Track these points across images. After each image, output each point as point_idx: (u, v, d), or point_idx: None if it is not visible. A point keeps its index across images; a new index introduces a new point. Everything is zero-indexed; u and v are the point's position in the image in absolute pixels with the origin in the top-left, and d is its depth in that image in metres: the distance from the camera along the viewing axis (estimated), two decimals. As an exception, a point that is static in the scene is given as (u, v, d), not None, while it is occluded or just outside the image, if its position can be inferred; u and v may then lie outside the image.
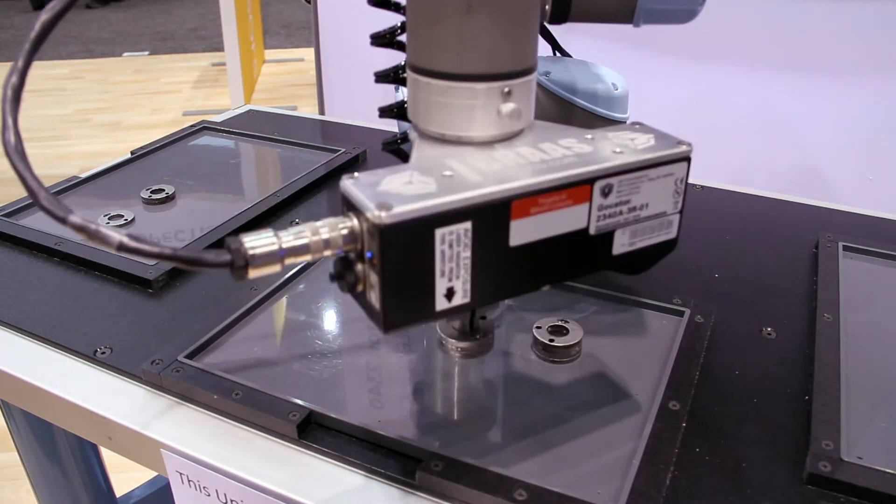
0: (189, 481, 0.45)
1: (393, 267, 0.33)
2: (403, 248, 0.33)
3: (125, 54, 4.12)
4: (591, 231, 0.38)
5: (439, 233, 0.33)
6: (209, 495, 0.45)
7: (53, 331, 0.55)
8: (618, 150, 0.38)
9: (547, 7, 0.53)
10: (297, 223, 0.34)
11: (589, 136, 0.40)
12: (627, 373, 0.50)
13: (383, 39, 0.48)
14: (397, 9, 0.49)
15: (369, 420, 0.45)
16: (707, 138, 1.20)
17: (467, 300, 0.36)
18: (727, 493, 0.40)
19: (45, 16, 0.34)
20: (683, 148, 0.39)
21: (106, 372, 0.51)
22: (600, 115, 0.67)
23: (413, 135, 0.42)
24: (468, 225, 0.34)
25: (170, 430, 0.46)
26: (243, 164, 0.86)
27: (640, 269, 0.43)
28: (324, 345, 0.53)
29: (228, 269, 0.33)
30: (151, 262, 0.62)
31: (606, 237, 0.39)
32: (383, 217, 0.32)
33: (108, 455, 0.66)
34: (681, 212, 0.41)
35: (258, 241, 0.33)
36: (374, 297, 0.34)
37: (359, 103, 1.48)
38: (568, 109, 0.68)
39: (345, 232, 0.34)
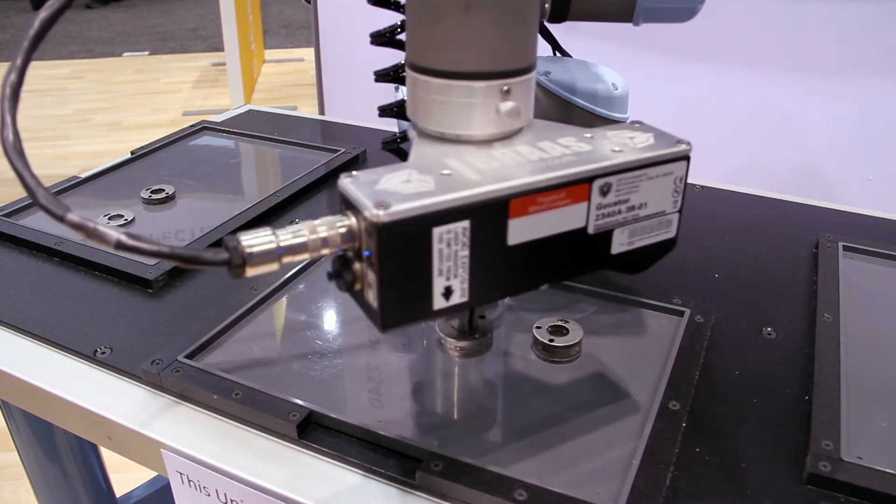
0: (189, 481, 0.45)
1: (390, 265, 0.33)
2: (401, 247, 0.32)
3: (125, 54, 4.12)
4: (591, 230, 0.38)
5: (437, 231, 0.33)
6: (209, 495, 0.45)
7: (53, 331, 0.55)
8: (617, 148, 0.38)
9: (546, 6, 0.53)
10: (297, 222, 0.34)
11: (588, 135, 0.40)
12: (627, 373, 0.50)
13: (383, 38, 0.48)
14: (397, 7, 0.49)
15: (369, 420, 0.45)
16: (707, 138, 1.20)
17: (465, 299, 0.36)
18: (727, 493, 0.40)
19: (43, 13, 0.34)
20: (683, 147, 0.39)
21: (106, 372, 0.51)
22: (600, 115, 0.67)
23: (412, 134, 0.42)
24: (466, 224, 0.34)
25: (170, 430, 0.46)
26: (243, 164, 0.86)
27: (639, 268, 0.43)
28: (324, 345, 0.53)
29: (227, 268, 0.33)
30: (151, 262, 0.62)
31: (605, 236, 0.39)
32: (381, 216, 0.31)
33: (108, 455, 0.66)
34: (680, 211, 0.41)
35: (256, 240, 0.33)
36: (371, 296, 0.34)
37: (359, 103, 1.48)
38: (568, 109, 0.68)
39: (343, 231, 0.34)
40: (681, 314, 0.55)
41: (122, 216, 0.71)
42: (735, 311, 0.57)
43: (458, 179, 0.34)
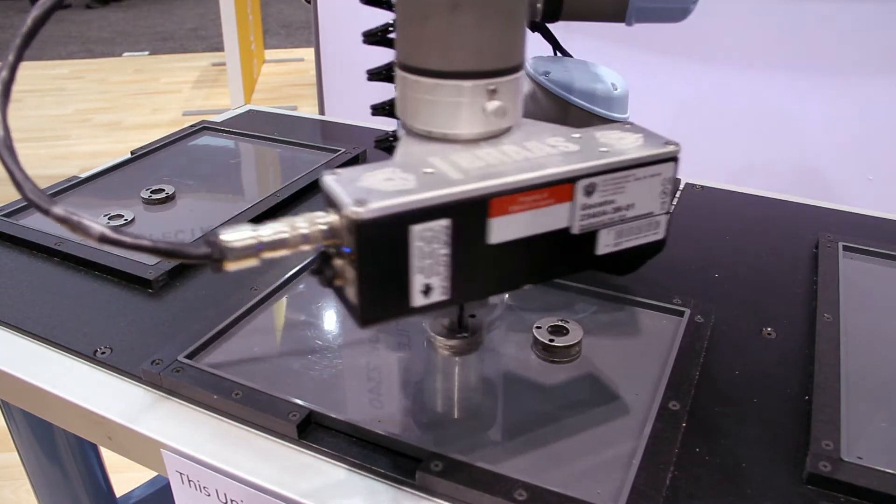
0: (189, 481, 0.45)
1: (369, 262, 0.33)
2: (380, 244, 0.33)
3: (125, 54, 4.12)
4: (575, 230, 0.38)
5: (416, 229, 0.33)
6: (209, 495, 0.45)
7: (53, 331, 0.55)
8: (604, 149, 0.38)
9: (539, 5, 0.53)
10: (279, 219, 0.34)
11: (577, 135, 0.40)
12: (627, 373, 0.50)
13: (375, 37, 0.48)
14: (389, 7, 0.49)
15: (369, 420, 0.45)
16: (707, 138, 1.20)
17: (447, 297, 0.36)
18: (727, 493, 0.40)
19: (35, 11, 0.34)
20: (671, 148, 0.39)
21: (106, 372, 0.51)
22: (598, 115, 0.67)
23: (401, 132, 0.42)
24: (446, 222, 0.34)
25: (170, 430, 0.46)
26: (243, 164, 0.86)
27: (626, 269, 0.43)
28: (324, 345, 0.53)
29: (207, 262, 0.33)
30: (151, 262, 0.62)
31: (590, 237, 0.39)
32: (360, 212, 0.32)
33: (108, 455, 0.66)
34: (669, 212, 0.41)
35: (235, 235, 0.33)
36: (351, 292, 0.34)
37: (359, 103, 1.48)
38: (566, 109, 0.68)
39: (324, 227, 0.34)
40: (681, 314, 0.55)
41: (122, 216, 0.71)
42: (735, 311, 0.57)
43: (439, 178, 0.34)
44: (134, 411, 0.48)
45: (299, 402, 0.45)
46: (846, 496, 0.40)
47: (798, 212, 0.73)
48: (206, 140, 0.92)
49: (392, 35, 0.48)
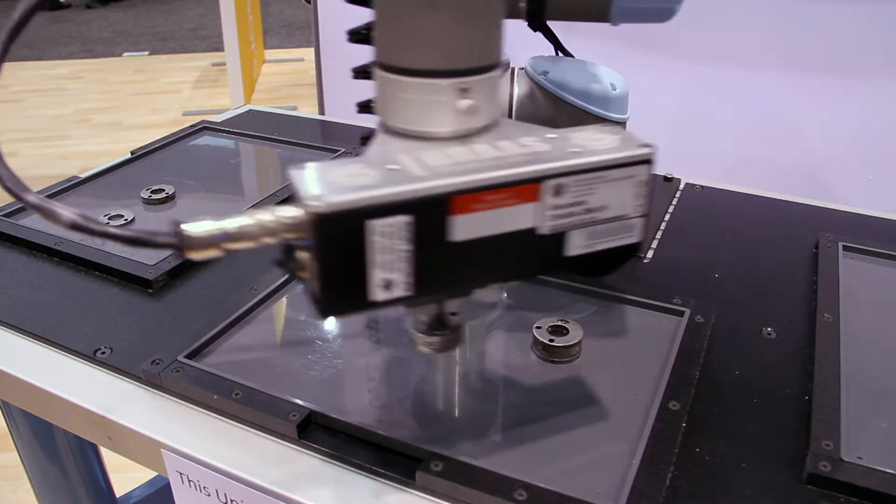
0: (189, 481, 0.45)
1: (328, 255, 0.33)
2: (339, 238, 0.33)
3: (125, 54, 4.12)
4: (545, 231, 0.38)
5: (375, 224, 0.33)
6: (209, 495, 0.45)
7: (53, 331, 0.55)
8: (575, 149, 0.38)
9: (522, 4, 0.53)
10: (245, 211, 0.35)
11: (552, 136, 0.40)
12: (627, 373, 0.50)
13: (359, 35, 0.49)
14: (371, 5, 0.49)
15: (369, 420, 0.45)
16: (707, 138, 1.20)
17: (410, 293, 0.36)
18: (727, 493, 0.40)
19: (24, 7, 0.34)
20: (645, 150, 0.38)
21: (106, 372, 0.51)
22: (595, 115, 0.67)
23: (379, 130, 0.42)
24: (406, 218, 0.34)
25: (170, 430, 0.46)
26: (243, 164, 0.86)
27: (601, 272, 0.43)
28: (324, 345, 0.53)
29: (170, 250, 0.34)
30: (151, 262, 0.62)
31: (561, 238, 0.38)
32: (318, 206, 0.32)
33: (108, 455, 0.66)
34: (645, 215, 0.40)
35: (199, 225, 0.33)
36: (313, 285, 0.35)
37: (359, 103, 1.47)
38: (564, 109, 0.68)
39: (287, 220, 0.34)
40: (681, 314, 0.55)
41: (123, 216, 0.71)
42: (735, 311, 0.57)
43: (402, 174, 0.35)
44: (134, 411, 0.48)
45: (299, 402, 0.45)
46: (846, 496, 0.40)
47: (798, 212, 0.73)
48: (206, 140, 0.92)
49: None
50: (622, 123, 0.69)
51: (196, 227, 0.33)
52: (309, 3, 1.54)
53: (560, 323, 0.53)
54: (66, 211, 0.32)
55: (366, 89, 0.50)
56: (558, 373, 0.50)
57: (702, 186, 0.79)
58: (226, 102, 3.21)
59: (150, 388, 0.49)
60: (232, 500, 0.44)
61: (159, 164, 0.85)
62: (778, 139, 1.15)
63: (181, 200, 0.76)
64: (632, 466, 0.41)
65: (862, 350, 0.52)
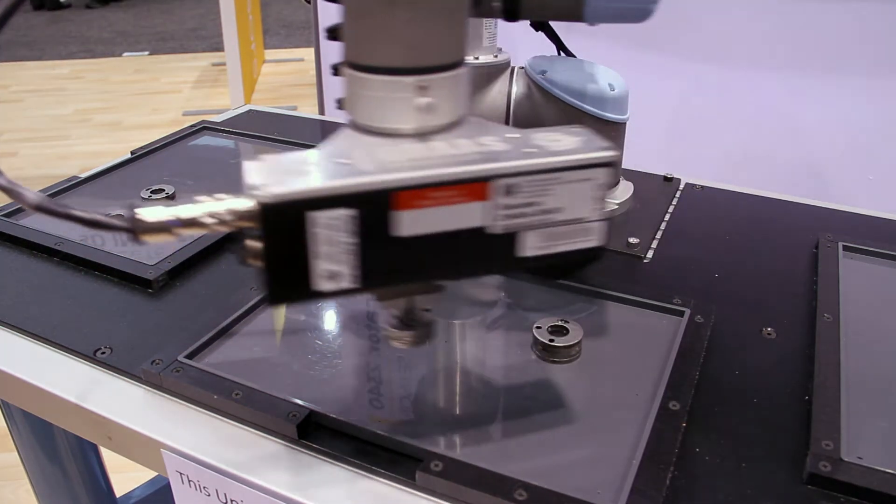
0: (189, 481, 0.45)
1: (273, 244, 0.34)
2: (282, 228, 0.34)
3: (125, 54, 4.12)
4: (497, 230, 0.37)
5: (317, 216, 0.34)
6: (209, 495, 0.45)
7: (53, 331, 0.55)
8: (531, 150, 0.38)
9: (496, 3, 0.53)
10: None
11: (514, 135, 0.39)
12: (627, 373, 0.50)
13: (334, 33, 0.49)
14: None
15: (369, 420, 0.45)
16: (707, 138, 1.20)
17: (356, 285, 0.36)
18: (727, 493, 0.40)
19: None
20: (604, 154, 0.38)
21: (106, 372, 0.51)
22: (591, 115, 0.67)
23: (347, 125, 0.43)
24: (349, 211, 0.34)
25: (170, 430, 0.46)
26: (243, 164, 0.85)
27: (561, 274, 0.42)
28: (324, 345, 0.53)
29: (124, 233, 0.35)
30: (152, 262, 0.62)
31: (514, 238, 0.38)
32: (263, 196, 0.33)
33: (108, 455, 0.66)
34: (606, 219, 0.39)
35: (153, 211, 0.35)
36: (262, 272, 0.35)
37: (359, 103, 1.47)
38: (560, 108, 0.68)
39: (238, 209, 0.35)
40: (681, 314, 0.55)
41: (122, 216, 0.71)
42: (735, 311, 0.57)
43: (350, 169, 0.35)
44: (134, 411, 0.48)
45: (299, 402, 0.45)
46: (846, 496, 0.40)
47: (798, 212, 0.73)
48: (206, 140, 0.92)
49: None
50: (621, 124, 0.69)
51: (150, 213, 0.35)
52: (309, 3, 1.54)
53: (560, 323, 0.53)
54: (31, 193, 0.34)
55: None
56: (558, 373, 0.50)
57: (702, 186, 0.79)
58: (226, 102, 3.21)
59: (150, 388, 0.49)
60: (232, 500, 0.44)
61: (159, 164, 0.85)
62: (778, 139, 1.15)
63: (181, 200, 0.75)
64: (632, 466, 0.41)
65: (862, 350, 0.52)
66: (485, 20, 0.69)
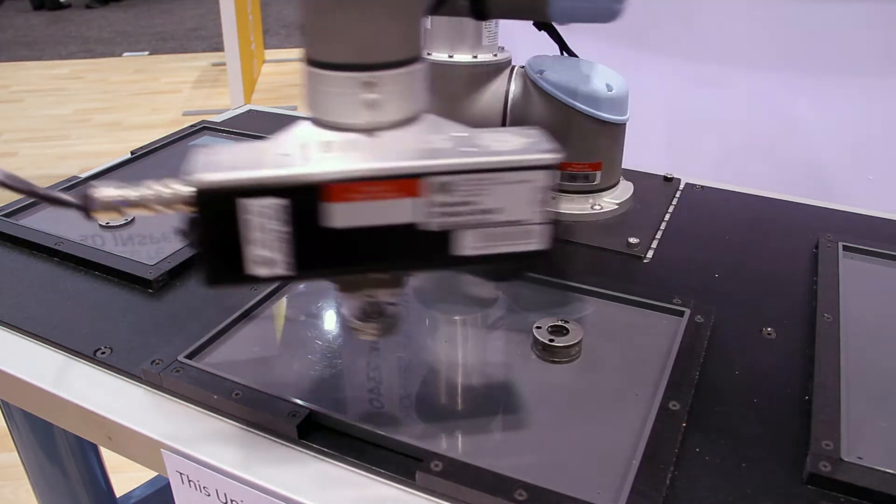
0: (189, 481, 0.45)
1: (208, 228, 0.36)
2: (216, 213, 0.36)
3: (125, 54, 4.12)
4: (432, 227, 0.38)
5: (249, 203, 0.35)
6: (209, 495, 0.45)
7: (53, 331, 0.55)
8: (470, 149, 0.38)
9: (463, 2, 0.54)
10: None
11: (462, 134, 0.40)
12: (627, 373, 0.50)
13: None
14: None
15: (369, 420, 0.45)
16: (707, 138, 1.20)
17: (291, 272, 0.37)
18: (727, 493, 0.40)
19: None
20: (545, 156, 0.37)
21: (106, 372, 0.51)
22: (585, 114, 0.67)
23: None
24: (280, 201, 0.36)
25: (170, 430, 0.46)
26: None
27: (504, 276, 0.42)
28: (324, 345, 0.53)
29: (77, 209, 0.37)
30: (151, 262, 0.62)
31: (449, 235, 0.38)
32: (196, 182, 0.35)
33: (108, 455, 0.66)
34: (549, 222, 0.39)
35: (104, 190, 0.37)
36: (201, 255, 0.37)
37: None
38: (555, 107, 0.68)
39: (181, 193, 0.36)
40: (681, 314, 0.55)
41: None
42: (735, 311, 0.57)
43: (287, 160, 0.36)
44: (134, 411, 0.48)
45: (299, 402, 0.45)
46: (846, 496, 0.40)
47: (798, 212, 0.73)
48: (206, 140, 0.92)
49: None
50: (619, 125, 0.69)
51: (101, 191, 0.37)
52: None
53: (560, 323, 0.53)
54: None
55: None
56: (558, 373, 0.50)
57: (702, 186, 0.79)
58: (226, 102, 3.21)
59: (150, 388, 0.49)
60: (232, 500, 0.44)
61: (159, 164, 0.85)
62: (778, 139, 1.15)
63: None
64: (632, 466, 0.41)
65: (862, 350, 0.52)
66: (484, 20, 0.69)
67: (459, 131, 0.40)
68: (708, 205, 0.75)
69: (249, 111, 1.03)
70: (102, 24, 4.70)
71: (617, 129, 0.69)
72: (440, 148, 0.38)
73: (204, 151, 0.37)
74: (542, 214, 0.39)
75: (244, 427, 0.46)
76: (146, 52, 4.14)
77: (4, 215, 0.70)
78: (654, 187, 0.78)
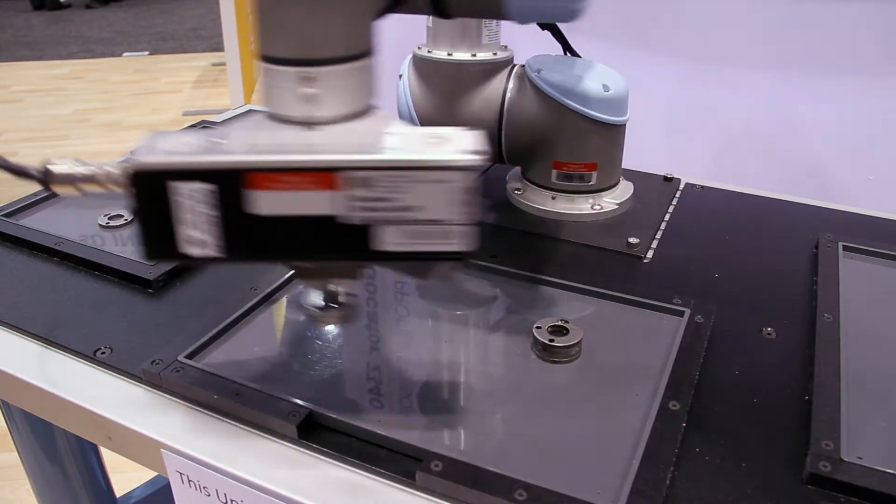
0: (189, 481, 0.45)
1: (141, 206, 0.38)
2: (148, 193, 0.38)
3: (125, 54, 4.12)
4: (353, 220, 0.38)
5: (179, 186, 0.38)
6: (209, 495, 0.45)
7: (53, 331, 0.55)
8: (393, 146, 0.38)
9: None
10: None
11: (392, 130, 0.40)
12: (627, 373, 0.50)
13: None
14: None
15: (369, 420, 0.45)
16: (707, 138, 1.20)
17: (221, 254, 0.39)
18: (727, 493, 0.40)
19: None
20: (464, 157, 0.37)
21: (106, 372, 0.51)
22: (580, 114, 0.67)
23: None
24: (208, 186, 0.38)
25: (170, 430, 0.46)
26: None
27: (427, 275, 0.42)
28: (324, 345, 0.53)
29: (37, 181, 0.40)
30: (151, 262, 0.62)
31: (368, 230, 0.39)
32: (133, 164, 0.37)
33: (108, 455, 0.66)
34: (472, 224, 0.39)
35: (60, 166, 0.40)
36: (137, 229, 0.39)
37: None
38: (551, 106, 0.68)
39: (124, 173, 0.38)
40: (681, 314, 0.55)
41: (122, 216, 0.71)
42: (735, 311, 0.57)
43: (218, 147, 0.38)
44: (134, 411, 0.48)
45: (299, 402, 0.45)
46: (846, 496, 0.40)
47: (798, 212, 0.73)
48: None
49: None
50: (617, 125, 0.69)
51: (58, 167, 0.40)
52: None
53: (560, 323, 0.53)
54: None
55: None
56: (558, 373, 0.50)
57: (702, 186, 0.79)
58: (226, 102, 3.21)
59: (150, 388, 0.49)
60: (232, 500, 0.44)
61: (159, 164, 0.85)
62: (778, 139, 1.15)
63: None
64: (632, 466, 0.41)
65: (862, 350, 0.52)
66: (484, 20, 0.69)
67: (393, 127, 0.40)
68: (708, 205, 0.75)
69: (249, 111, 1.03)
70: (102, 24, 4.70)
71: (614, 130, 0.69)
72: (365, 143, 0.39)
73: (153, 136, 0.39)
74: (464, 215, 0.38)
75: (244, 427, 0.46)
76: (146, 52, 4.14)
77: (4, 215, 0.70)
78: (654, 187, 0.78)
